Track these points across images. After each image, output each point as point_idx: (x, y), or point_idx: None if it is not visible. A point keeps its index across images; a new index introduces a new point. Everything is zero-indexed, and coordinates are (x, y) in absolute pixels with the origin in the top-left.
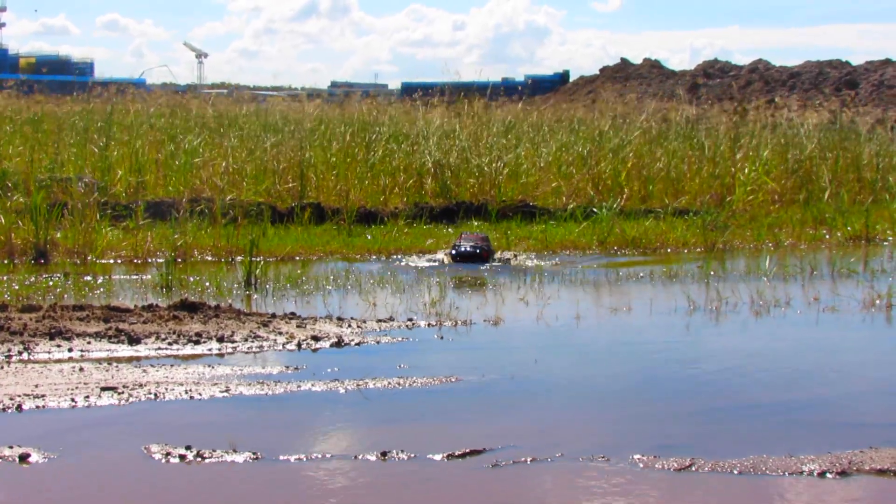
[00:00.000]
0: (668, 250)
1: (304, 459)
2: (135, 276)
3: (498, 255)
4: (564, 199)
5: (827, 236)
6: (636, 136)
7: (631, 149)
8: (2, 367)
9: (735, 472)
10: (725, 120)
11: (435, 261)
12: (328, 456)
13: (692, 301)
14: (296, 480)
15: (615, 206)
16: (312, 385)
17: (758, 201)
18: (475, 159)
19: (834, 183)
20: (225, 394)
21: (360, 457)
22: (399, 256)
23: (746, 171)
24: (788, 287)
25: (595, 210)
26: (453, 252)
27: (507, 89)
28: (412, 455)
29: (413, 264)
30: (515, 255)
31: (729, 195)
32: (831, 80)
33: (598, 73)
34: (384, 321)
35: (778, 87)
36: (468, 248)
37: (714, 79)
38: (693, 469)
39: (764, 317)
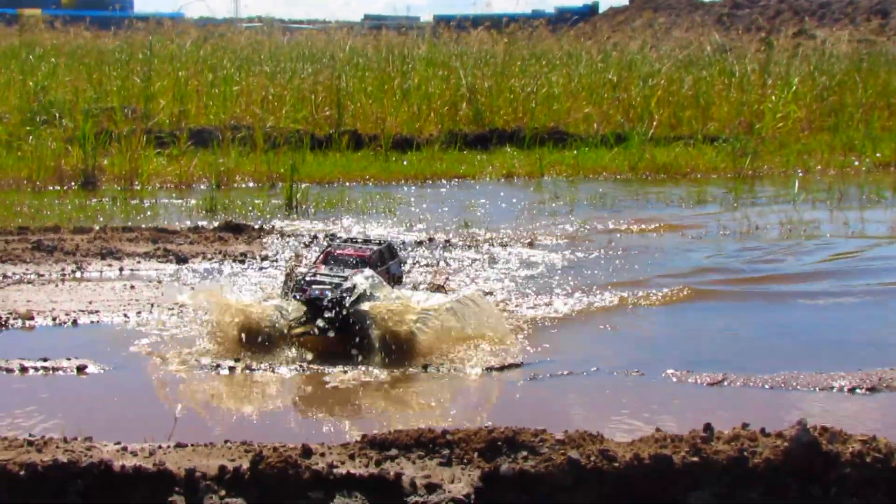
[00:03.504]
0: (698, 175)
1: None
2: (179, 200)
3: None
4: (595, 125)
5: (856, 163)
6: (666, 63)
7: (660, 76)
8: (57, 285)
9: (766, 386)
10: (754, 48)
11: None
12: None
13: (722, 225)
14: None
15: (646, 132)
16: None
17: (787, 128)
18: (508, 83)
19: (863, 110)
20: None
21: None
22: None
23: (775, 98)
24: (817, 212)
25: (626, 136)
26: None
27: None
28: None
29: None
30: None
31: (758, 122)
32: (862, 10)
33: (627, 3)
34: (421, 242)
35: (807, 17)
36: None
37: (743, 9)
38: (725, 383)
39: (792, 240)
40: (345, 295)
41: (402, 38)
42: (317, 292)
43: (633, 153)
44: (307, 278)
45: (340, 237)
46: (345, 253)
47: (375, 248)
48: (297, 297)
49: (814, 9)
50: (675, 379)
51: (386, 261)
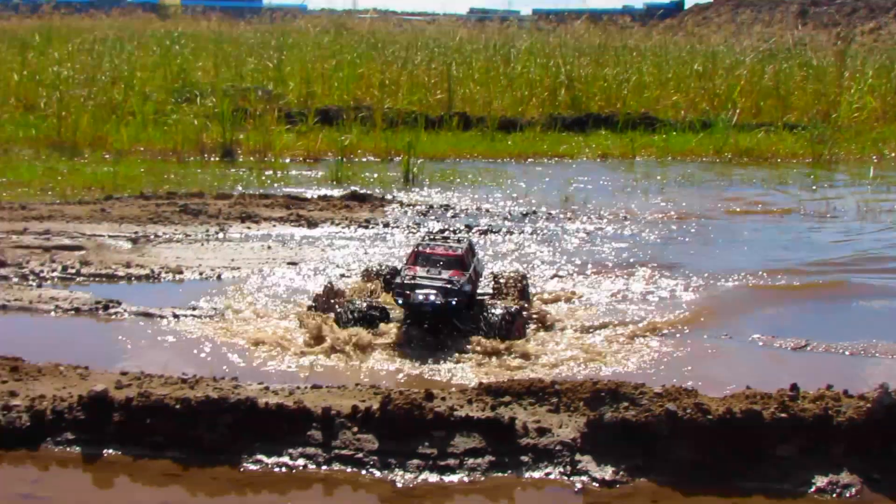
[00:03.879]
0: (778, 160)
1: None
2: (307, 172)
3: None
4: (683, 112)
5: None
6: (748, 56)
7: (743, 67)
8: (202, 244)
9: (846, 353)
10: (831, 43)
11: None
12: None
13: (803, 205)
14: None
15: (729, 119)
16: None
17: (862, 118)
18: (603, 71)
19: None
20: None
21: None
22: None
23: (852, 90)
24: (891, 194)
25: (711, 122)
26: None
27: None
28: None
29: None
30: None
31: (834, 111)
32: None
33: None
34: (527, 214)
35: (882, 14)
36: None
37: (821, 6)
38: (808, 349)
39: (869, 220)
40: (450, 301)
41: (505, 30)
42: (420, 298)
43: (718, 138)
44: (406, 281)
45: (430, 235)
46: (436, 252)
47: (465, 246)
48: (399, 301)
49: (888, 6)
50: (761, 343)
51: (471, 259)
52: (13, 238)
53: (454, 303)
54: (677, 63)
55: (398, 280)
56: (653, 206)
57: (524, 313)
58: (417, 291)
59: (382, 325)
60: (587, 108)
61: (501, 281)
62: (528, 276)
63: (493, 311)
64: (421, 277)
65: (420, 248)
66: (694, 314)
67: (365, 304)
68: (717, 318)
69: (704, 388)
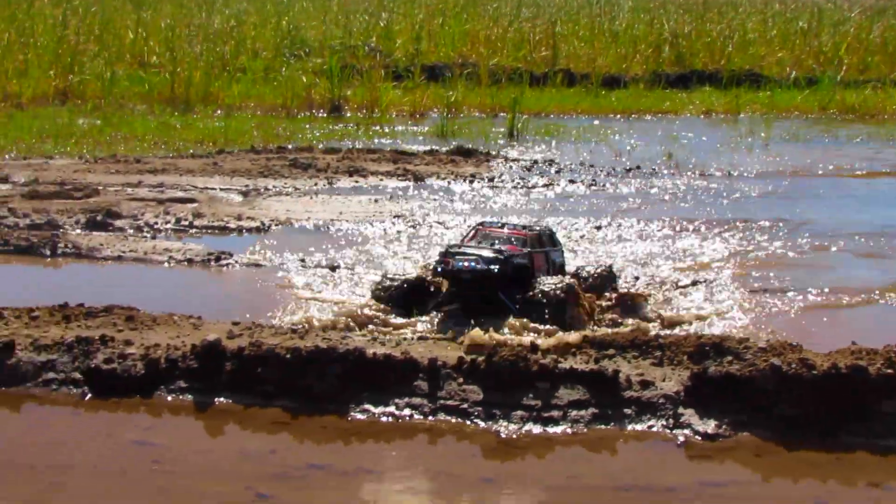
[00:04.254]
0: (886, 117)
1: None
2: (413, 127)
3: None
4: (788, 69)
5: None
6: (855, 12)
7: (850, 23)
8: (311, 197)
9: None
10: None
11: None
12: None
13: None
14: None
15: (835, 75)
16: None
17: None
18: (707, 28)
19: None
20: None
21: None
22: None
23: None
24: None
25: (816, 79)
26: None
27: None
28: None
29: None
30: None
31: None
32: None
33: None
34: (631, 169)
35: None
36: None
37: None
38: None
39: None
40: (492, 268)
41: None
42: (460, 264)
43: (824, 95)
44: (450, 250)
45: (496, 222)
46: (497, 231)
47: (537, 231)
48: (439, 269)
49: None
50: (867, 298)
51: (545, 245)
52: (128, 191)
53: (496, 270)
54: (782, 20)
55: (442, 251)
56: (758, 162)
57: (586, 298)
58: (458, 259)
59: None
60: (691, 64)
61: (583, 275)
62: (616, 272)
63: (542, 287)
64: (467, 247)
65: (482, 226)
66: (802, 270)
67: (399, 280)
68: (827, 275)
69: (810, 343)
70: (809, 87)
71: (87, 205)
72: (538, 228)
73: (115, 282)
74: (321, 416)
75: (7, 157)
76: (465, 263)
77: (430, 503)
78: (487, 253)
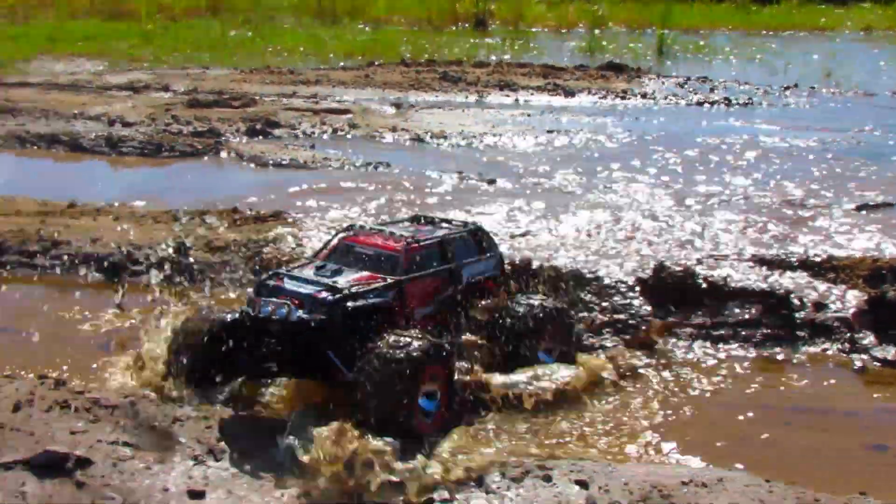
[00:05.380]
0: None
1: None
2: (559, 42)
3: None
4: None
5: None
6: None
7: None
8: (463, 110)
9: None
10: None
11: None
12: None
13: None
14: None
15: None
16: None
17: None
18: None
19: None
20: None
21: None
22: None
23: None
24: None
25: None
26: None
27: None
28: None
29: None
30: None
31: None
32: None
33: None
34: (788, 87)
35: None
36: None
37: None
38: None
39: None
40: (306, 317)
41: None
42: (268, 307)
43: None
44: (266, 280)
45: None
46: (366, 241)
47: (434, 237)
48: (246, 310)
49: None
50: None
51: (453, 257)
52: (284, 101)
53: (316, 321)
54: None
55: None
56: None
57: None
58: (266, 299)
59: None
60: None
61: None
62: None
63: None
64: (295, 275)
65: (350, 234)
66: None
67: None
68: None
69: None
70: None
71: (245, 114)
72: (441, 234)
73: (278, 187)
74: None
75: (166, 67)
76: (272, 307)
77: None
78: (311, 289)
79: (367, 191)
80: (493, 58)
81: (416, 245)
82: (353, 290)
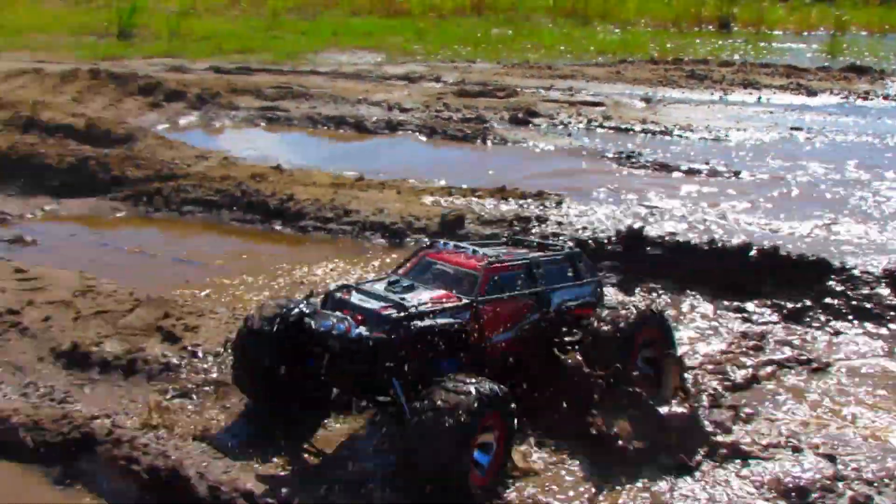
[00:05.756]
0: None
1: None
2: (800, 45)
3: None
4: None
5: None
6: None
7: None
8: (708, 107)
9: None
10: None
11: None
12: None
13: None
14: None
15: None
16: None
17: None
18: None
19: None
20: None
21: None
22: None
23: None
24: None
25: None
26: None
27: None
28: None
29: None
30: None
31: None
32: None
33: None
34: None
35: None
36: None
37: None
38: None
39: None
40: (367, 336)
41: None
42: (328, 323)
43: None
44: (336, 294)
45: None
46: (445, 258)
47: (523, 259)
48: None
49: None
50: None
51: (541, 280)
52: (542, 93)
53: (373, 340)
54: None
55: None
56: None
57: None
58: (326, 315)
59: None
60: None
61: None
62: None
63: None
64: (365, 290)
65: (429, 250)
66: None
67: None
68: None
69: None
70: None
71: (508, 103)
72: (529, 256)
73: (538, 169)
74: None
75: (436, 60)
76: (333, 322)
77: None
78: (376, 305)
79: (616, 178)
80: (737, 58)
81: (498, 265)
82: (423, 308)
